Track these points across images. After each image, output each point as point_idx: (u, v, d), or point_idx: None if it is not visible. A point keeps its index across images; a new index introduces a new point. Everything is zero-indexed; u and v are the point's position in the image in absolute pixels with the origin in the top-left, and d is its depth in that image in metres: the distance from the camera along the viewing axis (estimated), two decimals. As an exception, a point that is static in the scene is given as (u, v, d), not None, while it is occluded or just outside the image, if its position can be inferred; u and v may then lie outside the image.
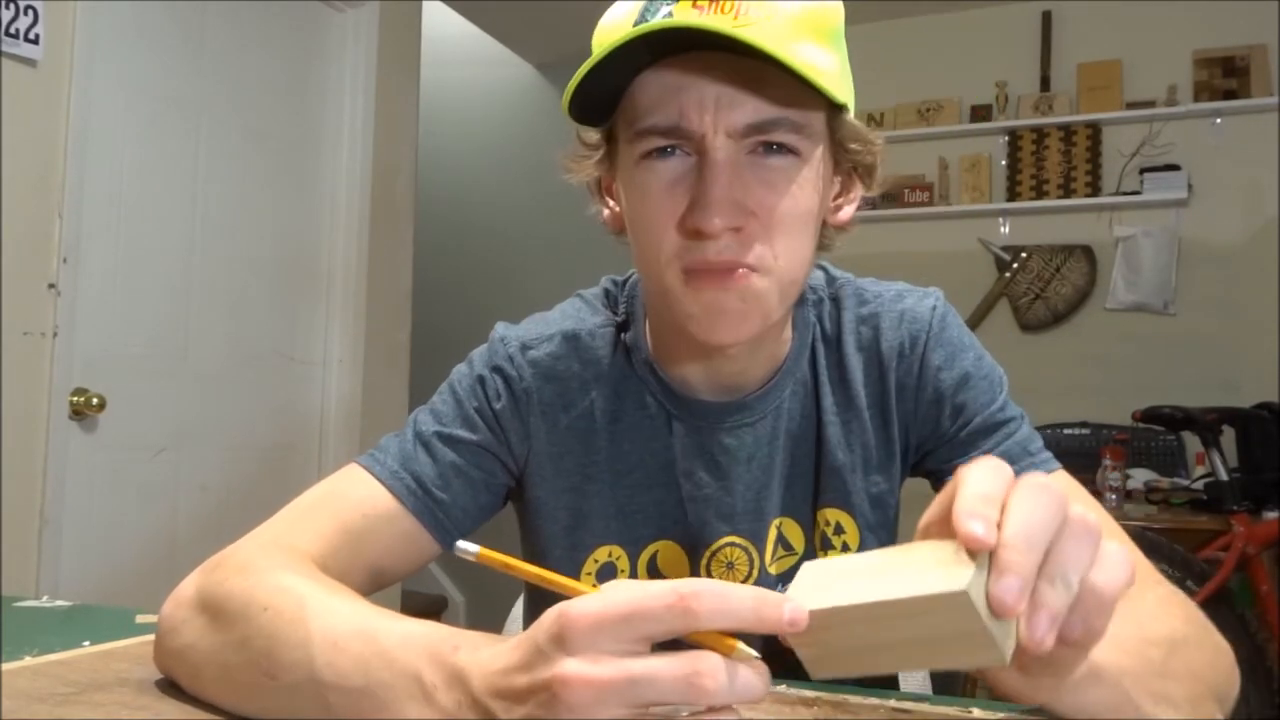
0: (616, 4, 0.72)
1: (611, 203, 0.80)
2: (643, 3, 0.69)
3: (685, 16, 0.66)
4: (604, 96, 0.71)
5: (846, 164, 0.77)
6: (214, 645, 0.62)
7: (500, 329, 0.86)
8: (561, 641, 0.43)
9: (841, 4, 0.72)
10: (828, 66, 0.69)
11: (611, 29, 0.70)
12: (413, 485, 0.78)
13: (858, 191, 0.79)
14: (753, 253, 0.69)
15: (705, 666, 0.41)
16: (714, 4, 0.66)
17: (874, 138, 0.77)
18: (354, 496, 0.77)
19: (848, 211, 0.79)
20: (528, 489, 0.84)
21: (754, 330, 0.72)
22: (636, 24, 0.67)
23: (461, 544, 0.50)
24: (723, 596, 0.42)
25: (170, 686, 0.65)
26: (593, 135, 0.78)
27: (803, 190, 0.71)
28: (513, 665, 0.46)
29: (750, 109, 0.68)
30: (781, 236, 0.70)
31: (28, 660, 0.72)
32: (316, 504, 0.77)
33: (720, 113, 0.68)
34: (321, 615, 0.57)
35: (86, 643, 0.77)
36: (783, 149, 0.70)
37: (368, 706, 0.51)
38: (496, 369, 0.82)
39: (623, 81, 0.71)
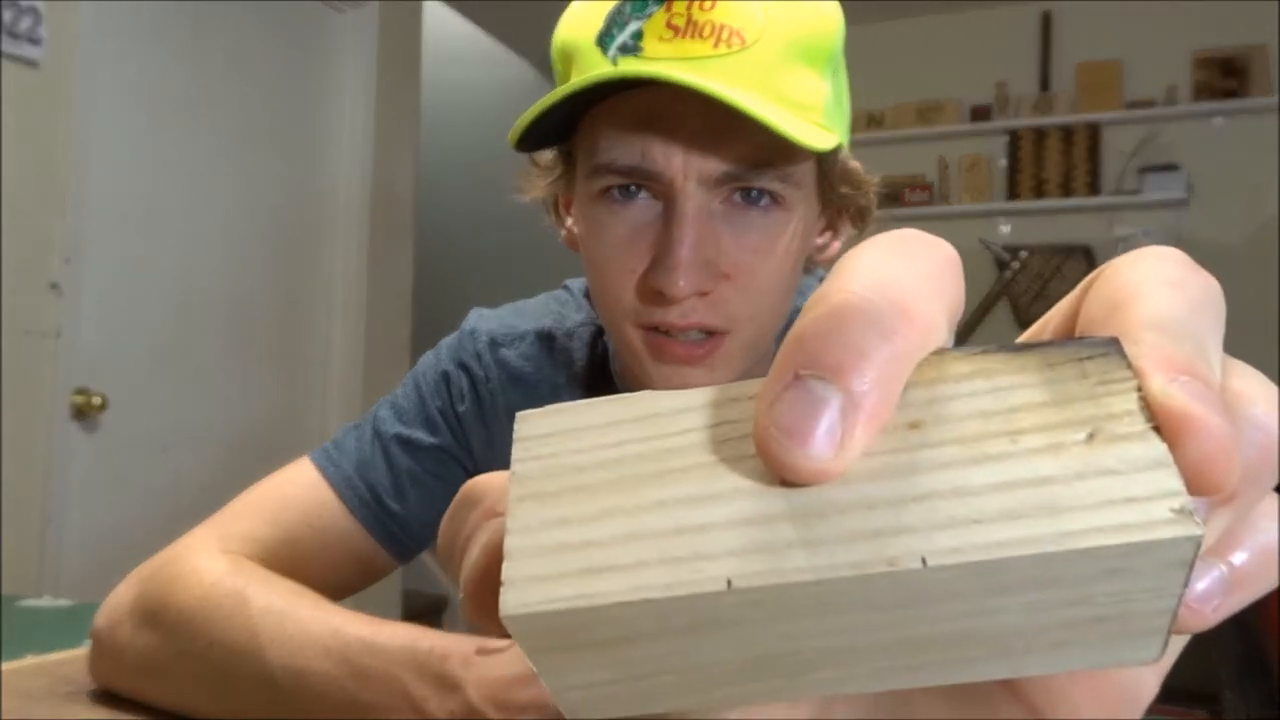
0: (576, 3, 0.63)
1: (570, 222, 0.71)
2: (609, 5, 0.59)
3: (656, 44, 0.56)
4: (559, 122, 0.62)
5: (836, 203, 0.67)
6: (166, 662, 0.60)
7: (473, 319, 0.80)
8: None
9: (840, 13, 0.62)
10: (820, 99, 0.60)
11: (573, 36, 0.61)
12: (365, 495, 0.72)
13: (847, 229, 0.70)
14: (722, 315, 0.60)
15: None
16: (691, 26, 0.55)
17: (867, 178, 0.67)
18: (302, 504, 0.71)
19: (835, 248, 0.70)
20: None
21: (723, 381, 0.64)
22: (600, 39, 0.58)
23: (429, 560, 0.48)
24: None
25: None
26: (546, 155, 0.69)
27: (786, 244, 0.62)
28: (517, 677, 0.46)
29: (728, 154, 0.57)
30: (757, 296, 0.62)
31: (28, 660, 0.72)
32: (261, 507, 0.72)
33: (691, 157, 0.57)
34: (278, 641, 0.55)
35: (88, 642, 0.77)
36: (764, 196, 0.60)
37: None
38: (463, 366, 0.76)
39: (580, 108, 0.61)
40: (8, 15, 1.97)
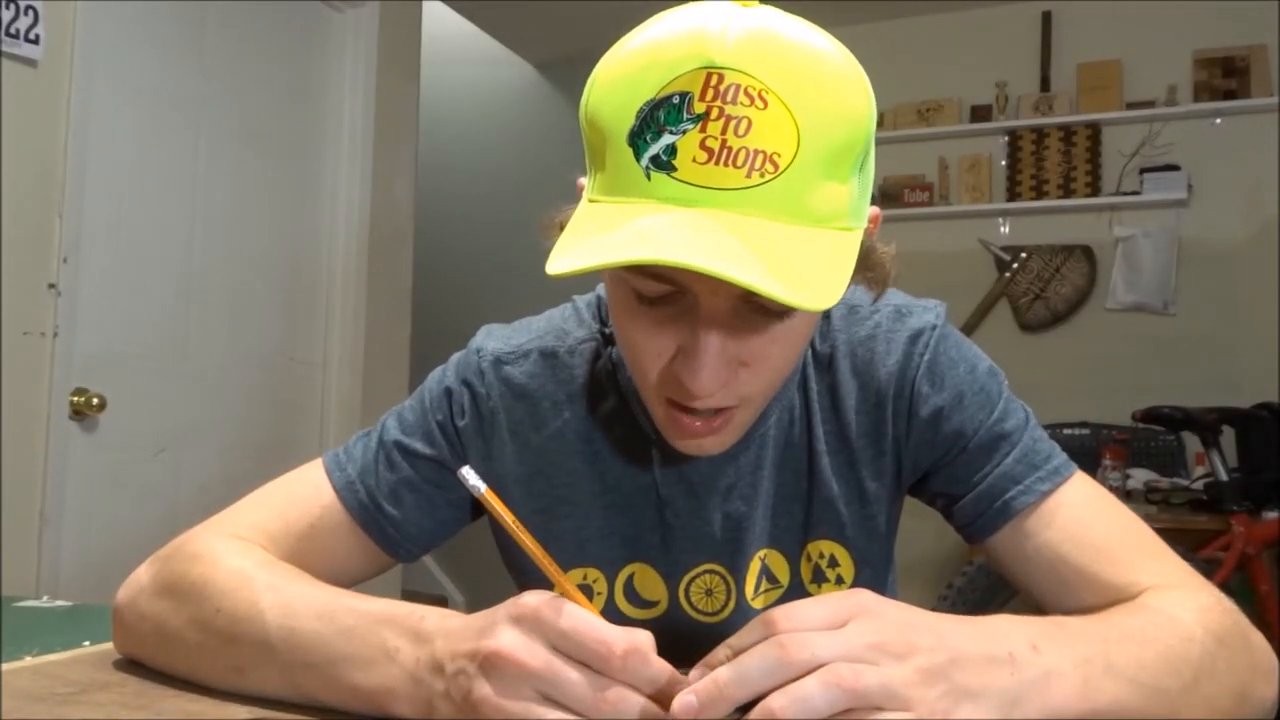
0: (610, 69, 0.60)
1: None
2: (642, 89, 0.57)
3: (689, 165, 0.55)
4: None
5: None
6: (178, 628, 0.67)
7: (480, 336, 0.83)
8: (514, 620, 0.50)
9: (872, 101, 0.60)
10: (845, 202, 0.59)
11: (606, 117, 0.59)
12: (364, 499, 0.77)
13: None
14: (736, 396, 0.64)
15: (612, 694, 0.48)
16: (726, 152, 0.54)
17: (886, 259, 0.69)
18: (306, 502, 0.77)
19: None
20: None
21: (732, 443, 0.70)
22: (632, 138, 0.56)
23: (468, 474, 0.53)
24: (647, 664, 0.49)
25: (170, 685, 0.66)
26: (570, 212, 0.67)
27: (802, 334, 0.65)
28: (471, 629, 0.52)
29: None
30: (770, 377, 0.65)
31: (28, 660, 0.72)
32: (270, 502, 0.78)
33: (719, 281, 0.54)
34: (276, 608, 0.62)
35: (86, 643, 0.77)
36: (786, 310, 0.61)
37: (332, 676, 0.58)
38: (466, 383, 0.80)
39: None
40: (6, 14, 1.97)
